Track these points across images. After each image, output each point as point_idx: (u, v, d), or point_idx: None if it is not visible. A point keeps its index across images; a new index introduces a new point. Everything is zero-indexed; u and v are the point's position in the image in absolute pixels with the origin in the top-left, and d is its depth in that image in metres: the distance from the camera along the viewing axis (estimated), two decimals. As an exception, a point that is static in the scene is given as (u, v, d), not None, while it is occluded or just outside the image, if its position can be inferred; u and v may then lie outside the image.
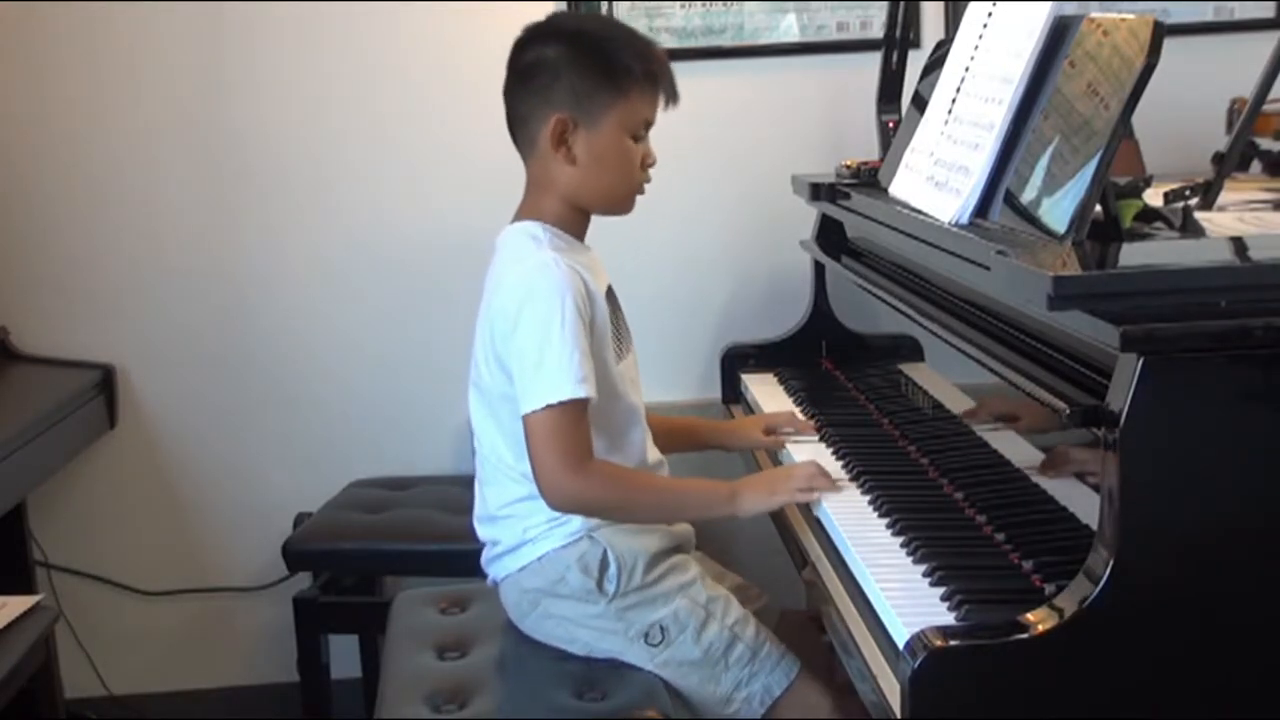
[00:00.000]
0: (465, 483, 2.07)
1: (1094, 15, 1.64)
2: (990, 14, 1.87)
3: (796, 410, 2.26)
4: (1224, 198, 1.82)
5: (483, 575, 1.99)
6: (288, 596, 2.60)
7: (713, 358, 2.67)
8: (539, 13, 1.99)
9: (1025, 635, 1.30)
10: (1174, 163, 2.13)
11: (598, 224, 1.96)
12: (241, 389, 2.89)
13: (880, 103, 2.50)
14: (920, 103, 2.10)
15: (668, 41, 2.73)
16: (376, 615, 2.31)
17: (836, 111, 2.79)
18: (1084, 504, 1.62)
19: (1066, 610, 1.30)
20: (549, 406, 1.75)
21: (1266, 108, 1.93)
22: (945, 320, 1.86)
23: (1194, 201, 1.75)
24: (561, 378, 1.76)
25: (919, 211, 1.88)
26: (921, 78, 2.22)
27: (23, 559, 2.73)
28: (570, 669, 1.87)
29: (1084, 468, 1.68)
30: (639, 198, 1.94)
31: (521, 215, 1.92)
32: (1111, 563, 1.28)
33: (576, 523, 1.86)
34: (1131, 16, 1.55)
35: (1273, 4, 2.83)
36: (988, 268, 1.54)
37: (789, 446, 2.09)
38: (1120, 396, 1.28)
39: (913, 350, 2.57)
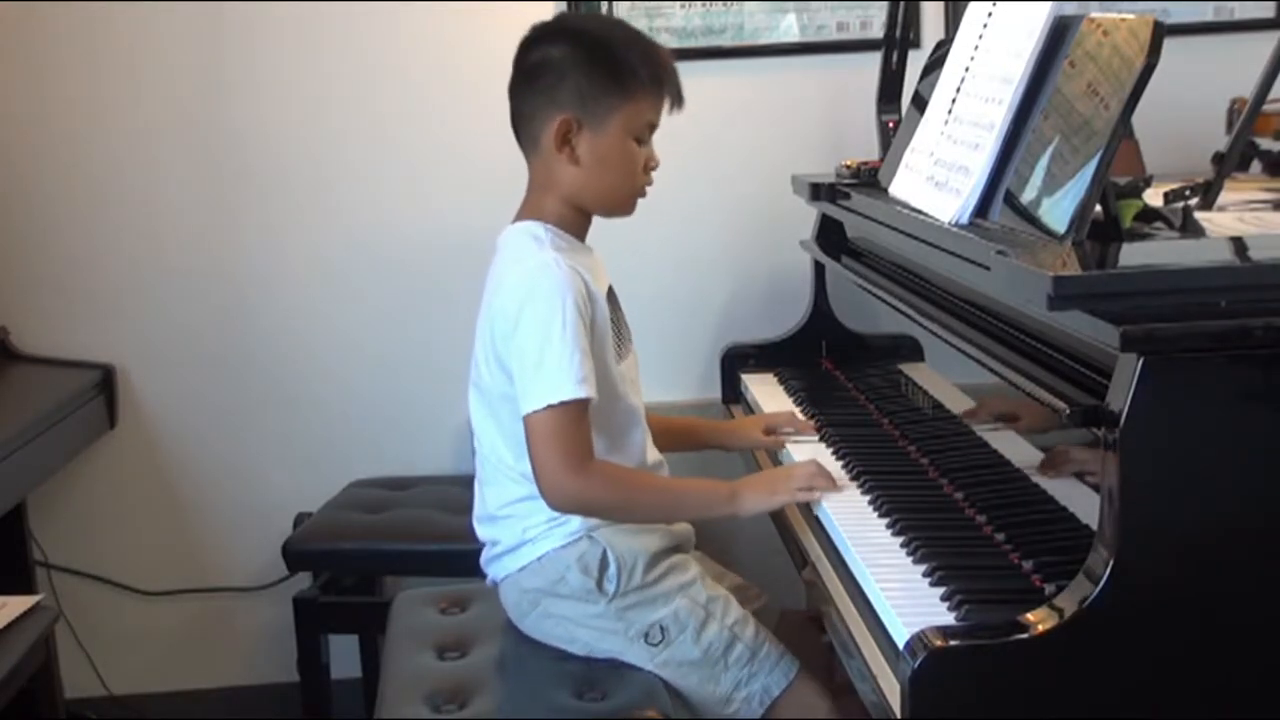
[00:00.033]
0: (465, 483, 2.07)
1: (1094, 15, 1.64)
2: (990, 14, 1.87)
3: (796, 410, 2.26)
4: (1224, 198, 1.82)
5: (483, 575, 1.99)
6: (288, 596, 2.60)
7: (713, 358, 2.67)
8: (538, 13, 1.99)
9: (1025, 635, 1.30)
10: (1174, 163, 2.13)
11: (598, 224, 1.96)
12: (241, 389, 2.89)
13: (880, 103, 2.50)
14: (920, 103, 2.10)
15: (668, 41, 2.73)
16: (376, 615, 2.30)
17: (836, 111, 2.79)
18: (1084, 504, 1.62)
19: (1066, 610, 1.30)
20: (549, 407, 1.75)
21: (1266, 108, 1.93)
22: (945, 320, 1.86)
23: (1194, 201, 1.75)
24: (562, 378, 1.76)
25: (919, 211, 1.88)
26: (921, 78, 2.22)
27: (23, 559, 2.73)
28: (570, 669, 1.86)
29: (1084, 467, 1.68)
30: (639, 200, 1.94)
31: (523, 215, 1.92)
32: (1111, 563, 1.28)
33: (576, 523, 1.86)
34: (1131, 16, 1.55)
35: (1273, 4, 2.83)
36: (988, 268, 1.54)
37: (789, 446, 2.09)
38: (1120, 396, 1.28)
39: (913, 350, 2.57)
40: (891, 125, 2.43)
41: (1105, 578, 1.28)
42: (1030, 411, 1.84)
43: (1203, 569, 1.31)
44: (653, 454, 1.99)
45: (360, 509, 2.65)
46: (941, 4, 2.79)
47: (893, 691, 1.38)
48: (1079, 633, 1.29)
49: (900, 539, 1.66)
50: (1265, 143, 2.18)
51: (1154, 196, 1.71)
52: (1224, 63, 2.19)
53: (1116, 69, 1.53)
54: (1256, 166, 2.20)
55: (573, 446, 1.77)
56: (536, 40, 1.90)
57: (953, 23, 2.51)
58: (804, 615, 2.09)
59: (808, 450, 2.04)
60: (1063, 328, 1.45)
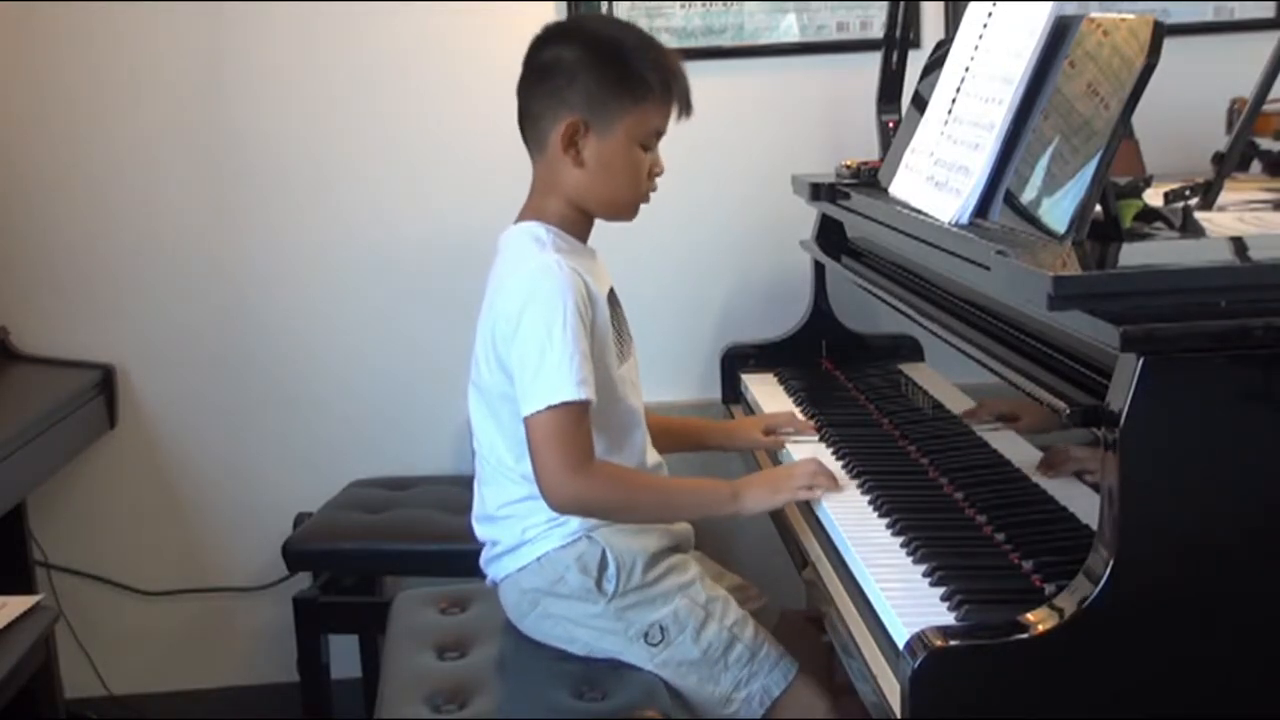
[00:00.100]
0: (465, 483, 2.07)
1: (1094, 15, 1.64)
2: (990, 14, 1.87)
3: (796, 410, 2.26)
4: (1224, 198, 1.82)
5: (482, 575, 1.99)
6: (288, 596, 2.60)
7: (713, 358, 2.67)
8: (538, 13, 2.00)
9: (1025, 635, 1.30)
10: (1174, 163, 2.13)
11: (598, 223, 1.96)
12: (241, 389, 2.89)
13: (880, 103, 2.50)
14: (920, 103, 2.10)
15: (668, 41, 2.73)
16: (376, 615, 2.31)
17: (836, 111, 2.79)
18: (1084, 504, 1.62)
19: (1066, 610, 1.30)
20: (550, 408, 1.75)
21: (1266, 108, 1.93)
22: (945, 320, 1.86)
23: (1194, 201, 1.75)
24: (561, 380, 1.76)
25: (919, 211, 1.88)
26: (921, 78, 2.22)
27: (23, 559, 2.72)
28: (570, 669, 1.86)
29: (1084, 467, 1.68)
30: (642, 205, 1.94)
31: (525, 216, 1.92)
32: (1111, 563, 1.28)
33: (575, 523, 1.86)
34: (1131, 16, 1.55)
35: (1273, 4, 2.83)
36: (988, 268, 1.54)
37: (789, 446, 2.09)
38: (1120, 396, 1.28)
39: (913, 350, 2.57)
40: (891, 125, 2.43)
41: (1105, 578, 1.28)
42: (1030, 411, 1.84)
43: (1203, 569, 1.31)
44: (652, 456, 1.99)
45: (360, 509, 2.65)
46: (941, 4, 2.79)
47: (893, 691, 1.38)
48: (1079, 633, 1.29)
49: (900, 539, 1.66)
50: (1265, 143, 2.18)
51: (1154, 196, 1.71)
52: (1224, 63, 2.19)
53: (1116, 69, 1.53)
54: (1256, 166, 2.20)
55: (573, 448, 1.77)
56: (549, 40, 1.90)
57: (953, 23, 2.50)
58: (804, 615, 2.09)
59: (808, 450, 2.04)
60: (1063, 328, 1.45)
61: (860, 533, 1.71)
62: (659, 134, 1.90)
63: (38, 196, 2.81)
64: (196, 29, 2.77)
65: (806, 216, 2.60)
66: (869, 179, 2.27)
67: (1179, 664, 1.33)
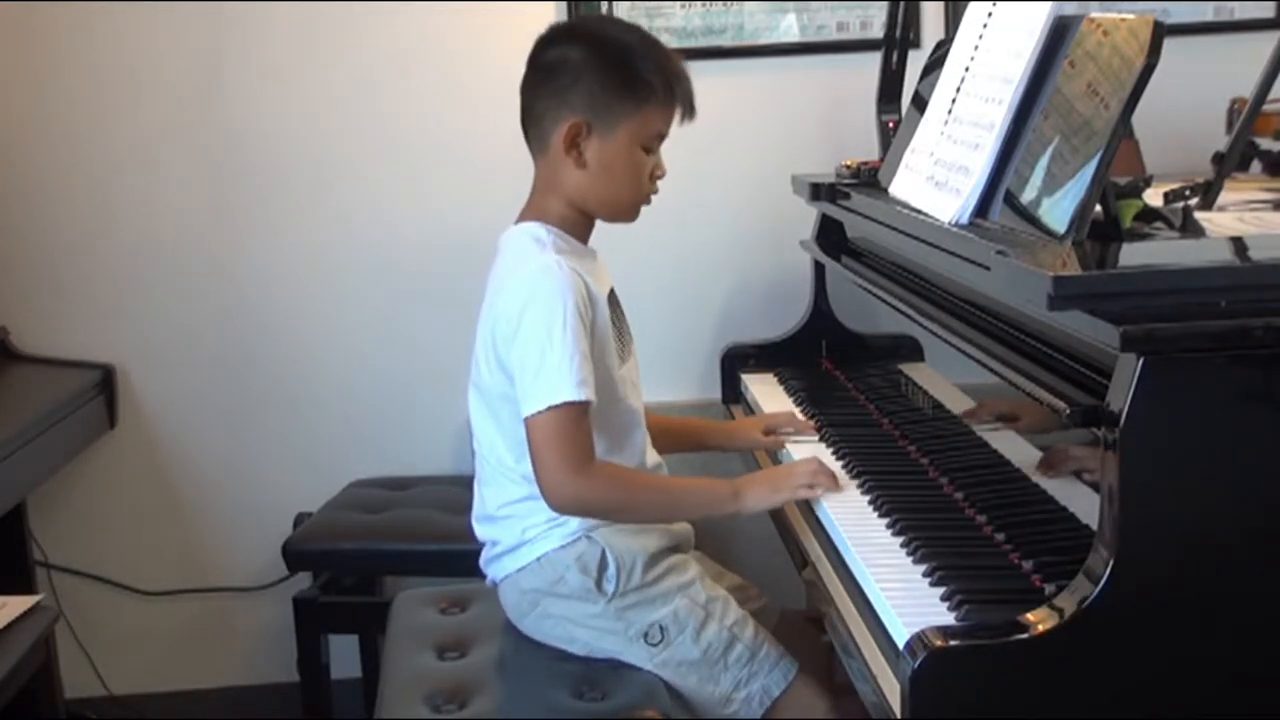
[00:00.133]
0: (465, 483, 2.07)
1: (1094, 15, 1.64)
2: (990, 14, 1.87)
3: (796, 410, 2.26)
4: (1224, 198, 1.82)
5: (482, 575, 1.99)
6: (288, 596, 2.60)
7: (713, 358, 2.67)
8: (539, 13, 2.00)
9: (1025, 635, 1.30)
10: (1174, 163, 2.13)
11: (598, 225, 1.96)
12: (241, 389, 2.89)
13: (880, 103, 2.50)
14: (920, 103, 2.10)
15: (668, 41, 2.71)
16: (376, 615, 2.31)
17: (836, 111, 2.79)
18: (1084, 504, 1.62)
19: (1066, 610, 1.30)
20: (550, 408, 1.75)
21: (1266, 108, 1.93)
22: (945, 320, 1.86)
23: (1194, 201, 1.75)
24: (561, 380, 1.76)
25: (919, 211, 1.88)
26: (921, 78, 2.22)
27: (23, 559, 2.73)
28: (570, 669, 1.87)
29: (1084, 467, 1.68)
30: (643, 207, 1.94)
31: (526, 216, 1.92)
32: (1111, 563, 1.28)
33: (575, 523, 1.86)
34: (1131, 16, 1.55)
35: (1273, 4, 2.83)
36: (988, 268, 1.54)
37: (789, 446, 2.09)
38: (1120, 396, 1.28)
39: (913, 350, 2.57)
40: (891, 125, 2.43)
41: (1105, 578, 1.28)
42: (1030, 411, 1.84)
43: (1203, 569, 1.31)
44: (652, 456, 1.99)
45: (360, 509, 2.65)
46: (941, 4, 2.79)
47: (893, 691, 1.38)
48: (1079, 633, 1.29)
49: (900, 539, 1.66)
50: (1265, 143, 2.18)
51: (1154, 196, 1.71)
52: (1224, 63, 2.19)
53: (1116, 69, 1.53)
54: (1256, 166, 2.20)
55: (573, 448, 1.77)
56: (554, 40, 1.90)
57: (953, 23, 2.50)
58: (804, 615, 2.09)
59: (808, 450, 2.04)
60: (1063, 328, 1.45)
61: (860, 533, 1.71)
62: (661, 137, 1.90)
63: (38, 196, 2.81)
64: (196, 29, 2.77)
65: (806, 216, 2.60)
66: (869, 179, 2.27)
67: (1179, 664, 1.33)
